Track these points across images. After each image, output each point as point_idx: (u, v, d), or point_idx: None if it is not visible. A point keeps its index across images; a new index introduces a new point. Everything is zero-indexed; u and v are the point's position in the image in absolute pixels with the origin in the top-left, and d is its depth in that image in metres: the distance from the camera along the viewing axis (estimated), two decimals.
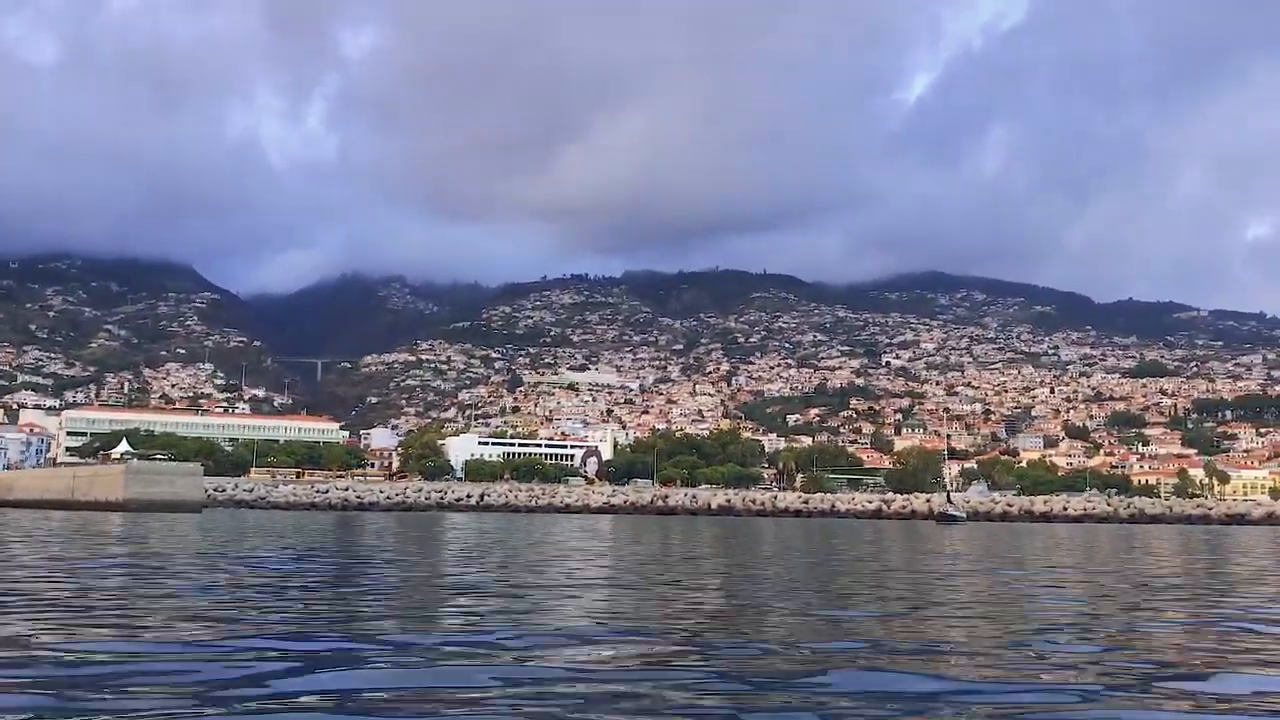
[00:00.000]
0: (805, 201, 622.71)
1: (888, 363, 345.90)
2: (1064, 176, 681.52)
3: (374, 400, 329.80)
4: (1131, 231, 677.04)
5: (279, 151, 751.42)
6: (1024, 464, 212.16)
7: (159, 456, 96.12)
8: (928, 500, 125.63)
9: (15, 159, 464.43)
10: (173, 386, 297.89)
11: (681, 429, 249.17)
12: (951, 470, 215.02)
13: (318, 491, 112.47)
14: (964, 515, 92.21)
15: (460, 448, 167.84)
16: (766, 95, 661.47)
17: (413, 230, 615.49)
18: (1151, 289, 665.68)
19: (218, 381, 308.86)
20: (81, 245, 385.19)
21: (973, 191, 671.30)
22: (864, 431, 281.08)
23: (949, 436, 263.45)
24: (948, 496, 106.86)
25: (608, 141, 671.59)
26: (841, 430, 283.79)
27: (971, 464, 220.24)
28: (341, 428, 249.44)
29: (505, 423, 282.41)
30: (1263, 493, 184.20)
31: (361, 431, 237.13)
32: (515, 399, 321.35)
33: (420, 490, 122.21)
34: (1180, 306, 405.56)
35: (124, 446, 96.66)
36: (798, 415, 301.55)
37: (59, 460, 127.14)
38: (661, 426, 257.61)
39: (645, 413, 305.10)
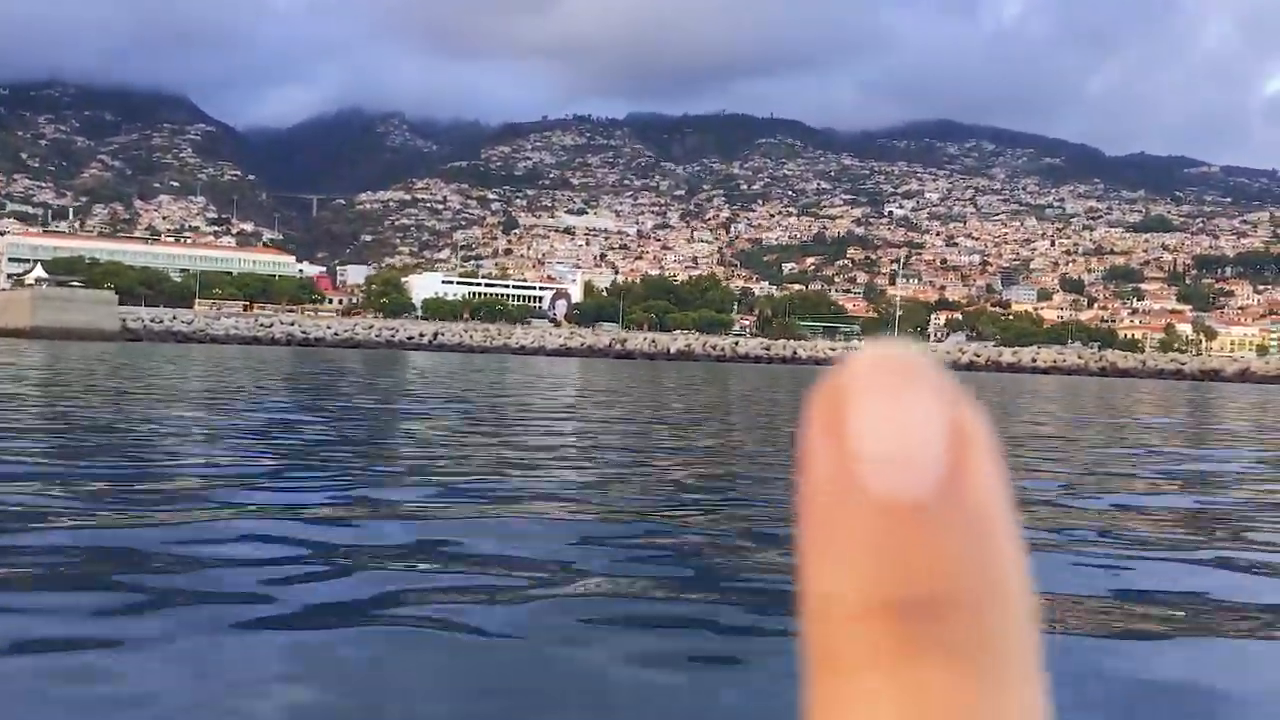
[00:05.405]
0: (817, 45, 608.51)
1: (890, 212, 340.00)
2: (1084, 26, 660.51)
3: (368, 239, 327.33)
4: (1149, 84, 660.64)
5: None
6: (1011, 316, 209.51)
7: (75, 284, 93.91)
8: None
9: None
10: (163, 219, 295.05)
11: (674, 275, 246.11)
12: (940, 320, 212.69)
13: (261, 325, 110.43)
14: None
15: (423, 286, 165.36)
16: None
17: (413, 66, 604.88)
18: (1165, 143, 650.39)
19: (209, 215, 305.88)
20: (73, 74, 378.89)
21: (990, 39, 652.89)
22: (859, 281, 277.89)
23: (943, 287, 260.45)
24: None
25: None
26: (836, 279, 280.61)
27: (958, 315, 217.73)
28: (333, 263, 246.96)
29: (497, 264, 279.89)
30: (1249, 350, 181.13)
31: (339, 268, 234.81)
32: (509, 241, 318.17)
33: (371, 327, 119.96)
34: (1192, 161, 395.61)
35: (39, 272, 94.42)
36: (794, 264, 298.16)
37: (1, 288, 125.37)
38: (655, 273, 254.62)
39: (639, 258, 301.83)
